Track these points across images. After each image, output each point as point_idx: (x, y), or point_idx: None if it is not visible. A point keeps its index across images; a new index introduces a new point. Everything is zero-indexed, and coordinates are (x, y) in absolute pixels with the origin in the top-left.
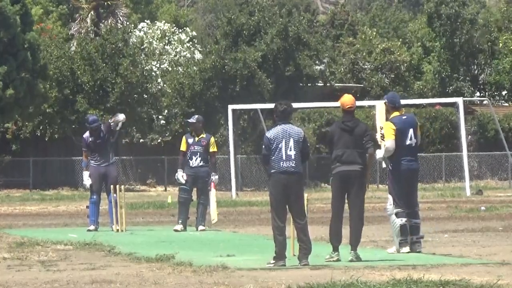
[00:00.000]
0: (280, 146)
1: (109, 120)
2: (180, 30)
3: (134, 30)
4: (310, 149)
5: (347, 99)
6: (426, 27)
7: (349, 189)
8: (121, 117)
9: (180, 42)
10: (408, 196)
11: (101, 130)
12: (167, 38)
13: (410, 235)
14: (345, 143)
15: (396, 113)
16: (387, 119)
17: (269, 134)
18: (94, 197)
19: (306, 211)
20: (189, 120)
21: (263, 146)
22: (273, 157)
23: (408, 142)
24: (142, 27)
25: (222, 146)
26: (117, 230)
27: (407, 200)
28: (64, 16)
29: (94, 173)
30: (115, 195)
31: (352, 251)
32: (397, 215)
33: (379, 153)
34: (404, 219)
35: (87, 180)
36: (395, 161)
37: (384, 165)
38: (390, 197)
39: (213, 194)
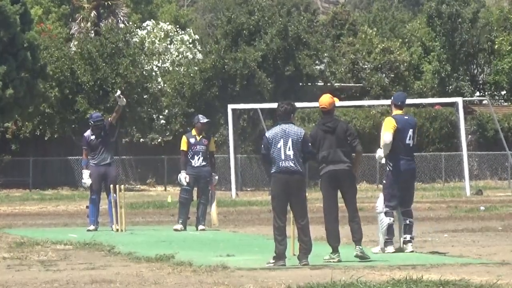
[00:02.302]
0: (279, 145)
1: (119, 103)
2: (183, 32)
3: (137, 30)
4: (312, 148)
5: (322, 99)
6: (425, 27)
7: (340, 188)
8: (118, 92)
9: (183, 42)
10: (405, 195)
11: (102, 129)
12: (169, 38)
13: (403, 233)
14: (329, 144)
15: (398, 112)
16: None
17: (268, 133)
18: (94, 197)
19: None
20: (204, 121)
21: (262, 146)
22: (273, 157)
23: (407, 141)
24: (147, 25)
25: (222, 145)
26: (117, 230)
27: (404, 198)
28: (64, 16)
29: (94, 173)
30: (115, 195)
31: (357, 246)
32: (386, 214)
33: (380, 152)
34: (392, 219)
35: (87, 179)
36: (395, 161)
37: (383, 161)
38: (381, 195)
39: (214, 197)
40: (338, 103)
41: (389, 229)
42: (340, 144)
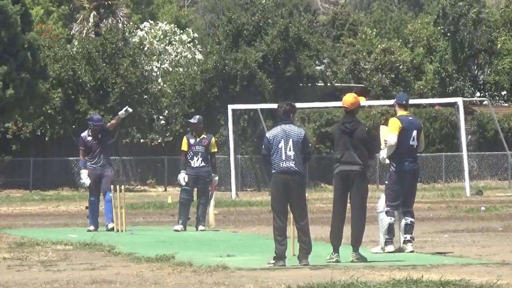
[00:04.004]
0: (279, 146)
1: (121, 113)
2: (182, 31)
3: (136, 30)
4: (311, 149)
5: (346, 98)
6: (430, 27)
7: (350, 189)
8: (130, 109)
9: (181, 42)
10: (408, 196)
11: (101, 131)
12: (168, 38)
13: (404, 233)
14: (344, 145)
15: (403, 112)
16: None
17: (269, 134)
18: (93, 198)
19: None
20: (190, 121)
21: (263, 146)
22: (273, 158)
23: (411, 142)
24: (145, 26)
25: (222, 146)
26: (114, 229)
27: (406, 199)
28: (64, 17)
29: (92, 175)
30: (111, 194)
31: (353, 252)
32: (387, 213)
33: (383, 153)
34: (393, 218)
35: (86, 179)
36: (399, 161)
37: (387, 161)
38: (382, 196)
39: (212, 198)
40: (363, 102)
41: (390, 228)
42: (356, 147)
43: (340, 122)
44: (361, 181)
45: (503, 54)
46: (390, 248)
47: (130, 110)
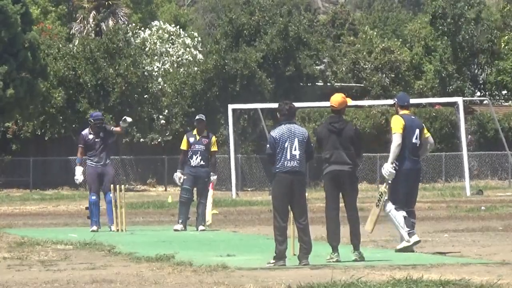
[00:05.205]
0: (285, 145)
1: (120, 123)
2: (185, 34)
3: (139, 31)
4: (313, 148)
5: (333, 97)
6: (428, 26)
7: (341, 188)
8: (129, 119)
9: (184, 44)
10: (409, 195)
11: (102, 130)
12: (171, 40)
13: None
14: (333, 145)
15: (405, 112)
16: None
17: (274, 133)
18: (94, 197)
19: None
20: (199, 117)
21: (268, 145)
22: (277, 157)
23: (414, 140)
24: (154, 25)
25: (222, 145)
26: (117, 230)
27: (407, 199)
28: (63, 16)
29: (92, 173)
30: (111, 195)
31: (356, 251)
32: (396, 209)
33: (387, 168)
34: (404, 212)
35: (79, 176)
36: (402, 160)
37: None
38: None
39: (210, 195)
40: (350, 103)
41: (406, 221)
42: (345, 146)
43: (326, 122)
44: (353, 181)
45: (503, 54)
46: (415, 237)
47: (129, 119)
